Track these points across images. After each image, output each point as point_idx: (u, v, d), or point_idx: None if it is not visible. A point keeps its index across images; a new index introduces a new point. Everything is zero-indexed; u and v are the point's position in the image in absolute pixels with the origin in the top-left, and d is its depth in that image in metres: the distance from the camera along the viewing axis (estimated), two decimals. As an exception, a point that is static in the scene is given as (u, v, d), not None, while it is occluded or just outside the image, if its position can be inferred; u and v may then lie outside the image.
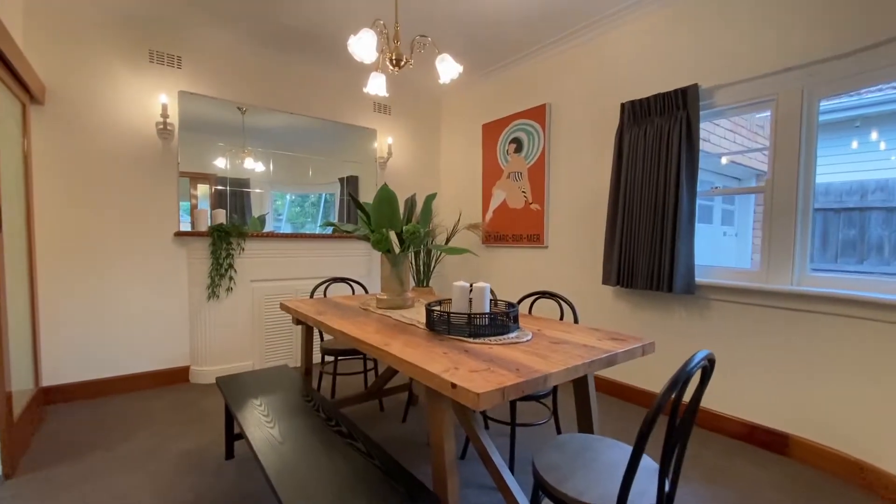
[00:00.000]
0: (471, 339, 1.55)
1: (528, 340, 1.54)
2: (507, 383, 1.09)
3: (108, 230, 2.94)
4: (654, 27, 2.73)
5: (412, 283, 4.29)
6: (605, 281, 2.90)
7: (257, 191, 3.54)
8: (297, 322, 2.35)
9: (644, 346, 1.52)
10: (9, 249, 2.13)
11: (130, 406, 2.78)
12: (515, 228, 3.72)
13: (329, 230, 3.85)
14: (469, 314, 1.62)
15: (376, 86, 2.28)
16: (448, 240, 3.96)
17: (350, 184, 3.96)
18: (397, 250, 2.19)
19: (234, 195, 3.41)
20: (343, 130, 3.97)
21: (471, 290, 1.77)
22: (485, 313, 1.65)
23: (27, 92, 2.52)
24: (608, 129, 3.00)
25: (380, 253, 3.99)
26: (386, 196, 2.07)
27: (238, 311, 3.34)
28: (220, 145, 3.36)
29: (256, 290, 3.42)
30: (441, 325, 1.65)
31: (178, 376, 3.20)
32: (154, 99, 3.07)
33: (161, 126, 3.05)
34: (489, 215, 3.99)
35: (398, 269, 2.21)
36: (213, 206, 3.30)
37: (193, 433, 2.42)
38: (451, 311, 1.77)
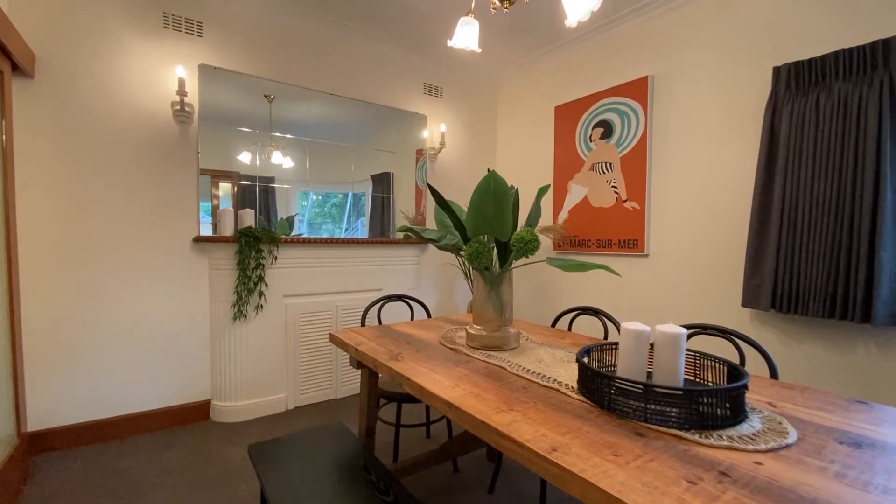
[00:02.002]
0: (692, 435, 0.88)
1: (791, 444, 0.86)
2: None
3: (111, 235, 2.37)
4: (825, -39, 2.01)
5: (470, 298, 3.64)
6: (749, 303, 2.20)
7: (286, 186, 2.94)
8: (359, 365, 1.72)
9: None
10: (-30, 264, 1.56)
11: (138, 456, 2.20)
12: (602, 232, 3.03)
13: (351, 232, 3.23)
14: (699, 390, 0.95)
15: (466, 36, 1.63)
16: (515, 246, 3.30)
17: (383, 181, 3.32)
18: (496, 266, 1.54)
19: (258, 194, 2.81)
20: (384, 119, 3.34)
21: (653, 338, 1.11)
22: (720, 388, 0.99)
23: (7, 58, 1.96)
24: (747, 105, 2.29)
25: (449, 264, 3.37)
26: (495, 189, 1.42)
27: (269, 333, 2.74)
28: (243, 138, 2.77)
29: (290, 308, 2.82)
30: (625, 400, 0.99)
31: (196, 414, 2.62)
32: (169, 73, 2.49)
33: (178, 107, 2.47)
34: (563, 215, 3.31)
35: (498, 292, 1.56)
36: (237, 207, 2.71)
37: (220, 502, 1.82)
38: (619, 365, 1.12)
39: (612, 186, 2.95)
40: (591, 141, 3.10)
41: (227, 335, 2.62)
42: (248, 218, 2.69)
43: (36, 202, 2.18)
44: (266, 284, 2.68)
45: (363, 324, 2.23)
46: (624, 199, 2.88)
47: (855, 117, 1.85)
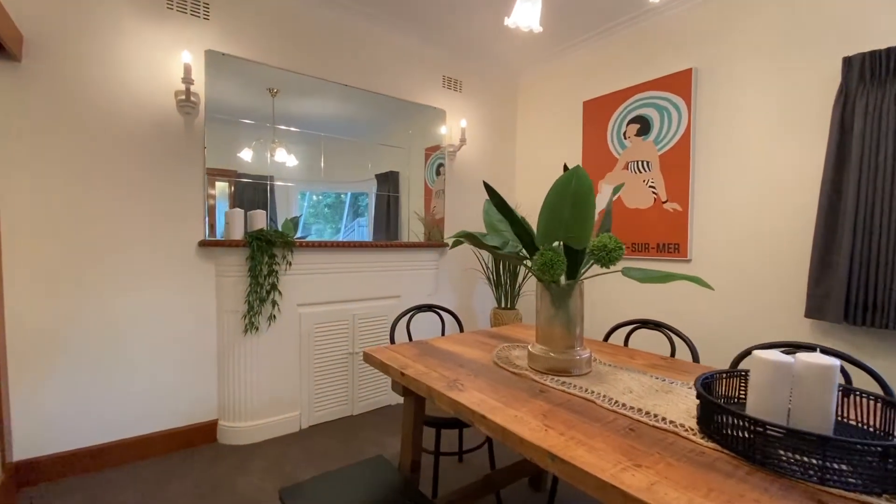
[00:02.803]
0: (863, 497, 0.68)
1: None
2: None
3: (106, 240, 2.12)
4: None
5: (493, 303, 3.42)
6: (814, 313, 2.02)
7: (289, 184, 2.70)
8: (405, 392, 1.50)
9: None
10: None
11: (139, 488, 1.96)
12: (638, 234, 2.84)
13: (353, 233, 3.01)
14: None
15: (527, 14, 1.42)
16: (543, 249, 3.10)
17: (389, 181, 3.09)
18: (560, 279, 1.34)
19: (257, 194, 2.56)
20: (396, 114, 3.11)
21: (795, 369, 0.91)
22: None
23: (-10, 37, 1.71)
24: (807, 98, 2.12)
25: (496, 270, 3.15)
26: (577, 188, 1.21)
27: (282, 345, 2.51)
28: (245, 134, 2.53)
29: (305, 318, 2.58)
30: (789, 455, 0.78)
31: (201, 436, 2.37)
32: (173, 59, 2.25)
33: (182, 97, 2.23)
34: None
35: (568, 307, 1.35)
36: (235, 207, 2.46)
37: (233, 552, 1.59)
38: (750, 401, 0.93)
39: (650, 186, 2.77)
40: (625, 138, 2.91)
41: (237, 349, 2.38)
42: (260, 220, 2.46)
43: (17, 202, 1.92)
44: (280, 293, 2.45)
45: (392, 338, 2.01)
46: (664, 200, 2.70)
47: (946, 111, 1.68)
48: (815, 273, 2.02)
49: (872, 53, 1.85)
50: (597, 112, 3.08)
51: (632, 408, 1.07)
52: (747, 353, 1.55)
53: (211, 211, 2.41)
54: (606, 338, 1.94)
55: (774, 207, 2.24)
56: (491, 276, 3.21)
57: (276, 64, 2.58)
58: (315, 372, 2.63)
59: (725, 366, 2.18)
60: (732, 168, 2.40)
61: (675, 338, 2.39)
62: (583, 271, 1.33)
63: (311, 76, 2.71)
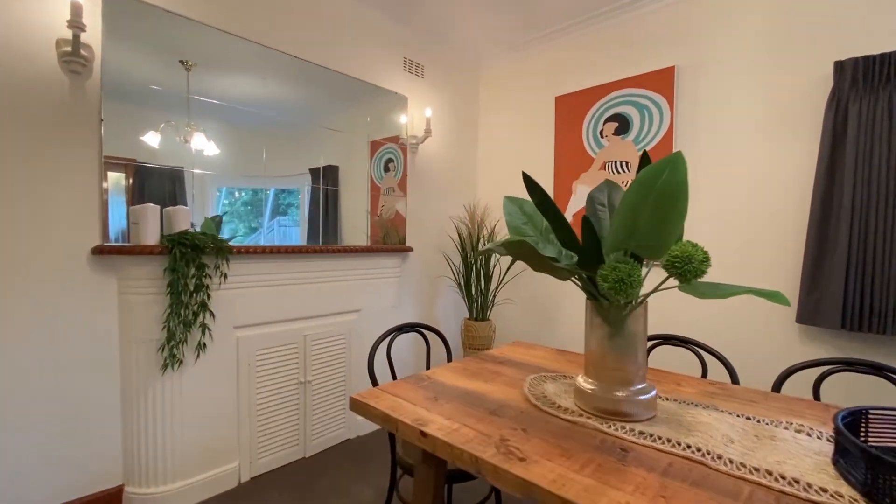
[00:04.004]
0: None
1: None
2: None
3: (-54, 246, 1.45)
4: (890, -50, 1.86)
5: (465, 314, 3.09)
6: (807, 319, 1.99)
7: (208, 172, 2.16)
8: (424, 457, 1.11)
9: None
10: None
11: None
12: (616, 239, 2.71)
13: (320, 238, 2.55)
14: None
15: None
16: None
17: (327, 177, 2.64)
18: (623, 296, 1.07)
19: (164, 188, 1.98)
20: (349, 98, 2.67)
21: None
22: None
23: None
24: (796, 102, 2.10)
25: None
26: (667, 183, 0.92)
27: (215, 381, 1.96)
28: (151, 114, 1.94)
29: (244, 344, 2.05)
30: None
31: (100, 511, 1.75)
32: (52, -6, 1.61)
33: (68, 50, 1.61)
34: (567, 219, 2.94)
35: (628, 333, 1.08)
36: (134, 203, 1.86)
37: None
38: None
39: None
40: (602, 137, 2.77)
41: (152, 391, 1.79)
42: (182, 219, 1.89)
43: None
44: (212, 314, 1.90)
45: (372, 370, 1.60)
46: (644, 202, 2.58)
47: (939, 119, 1.70)
48: (808, 279, 1.99)
49: (866, 59, 1.84)
50: (571, 109, 2.91)
51: (754, 469, 0.82)
52: (790, 372, 1.41)
53: (103, 207, 1.79)
54: (620, 356, 1.72)
55: (761, 211, 2.21)
56: (462, 285, 2.89)
57: (201, 18, 2.02)
58: (258, 410, 2.10)
59: (748, 384, 2.09)
60: (717, 171, 2.34)
61: (704, 355, 2.18)
62: (644, 288, 1.06)
63: (242, 37, 2.18)
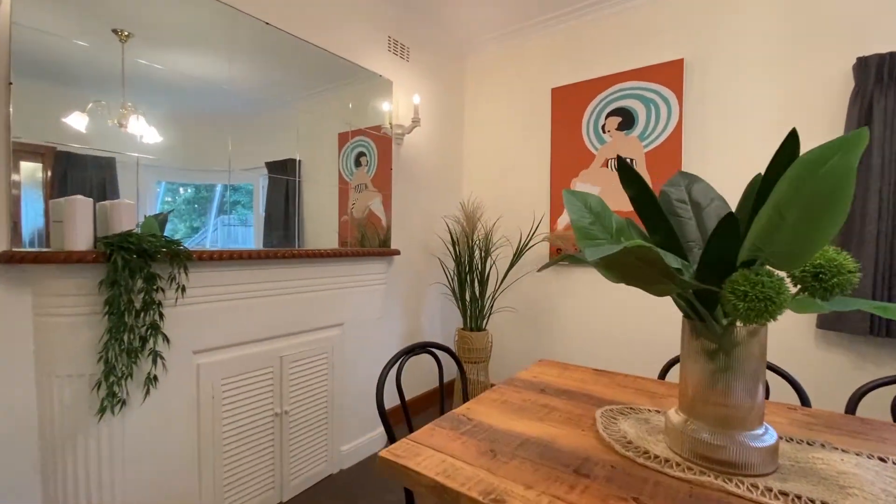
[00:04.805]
0: None
1: None
2: None
3: None
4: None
5: (459, 324, 2.80)
6: (831, 325, 1.91)
7: (151, 156, 1.75)
8: None
9: None
10: None
11: None
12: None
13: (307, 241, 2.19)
14: None
15: None
16: (516, 257, 2.59)
17: (290, 171, 2.24)
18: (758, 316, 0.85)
19: (93, 181, 1.55)
20: (323, 80, 2.32)
21: None
22: None
23: None
24: (815, 98, 2.02)
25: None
26: (829, 175, 0.70)
27: (170, 421, 1.55)
28: (72, 96, 1.51)
29: (207, 372, 1.66)
30: None
31: None
32: None
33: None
34: (565, 220, 2.76)
35: (748, 365, 0.86)
36: (52, 197, 1.43)
37: None
38: None
39: (635, 187, 2.49)
40: (604, 132, 2.60)
41: (83, 442, 1.36)
42: (125, 216, 1.47)
43: None
44: (166, 338, 1.49)
45: (381, 404, 1.29)
46: (650, 202, 2.44)
47: (969, 118, 1.65)
48: (831, 283, 1.90)
49: (893, 55, 1.77)
50: (569, 101, 2.72)
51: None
52: (866, 390, 1.26)
53: (14, 204, 1.35)
54: (662, 375, 1.53)
55: (777, 212, 2.12)
56: (455, 291, 2.61)
57: (151, -35, 1.60)
58: (225, 450, 1.71)
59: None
60: (729, 170, 2.23)
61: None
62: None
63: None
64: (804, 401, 1.30)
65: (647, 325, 2.45)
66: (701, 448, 0.87)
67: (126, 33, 1.72)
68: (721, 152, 2.25)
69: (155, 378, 1.48)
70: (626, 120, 2.51)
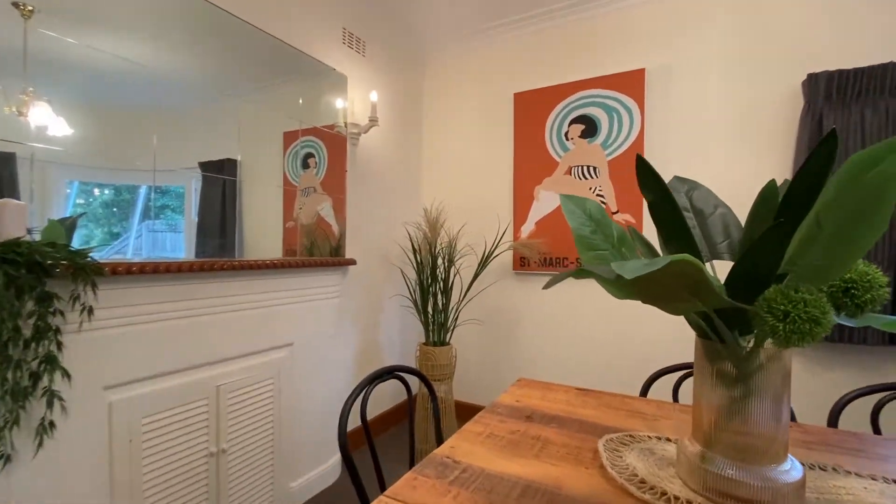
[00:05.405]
0: None
1: None
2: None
3: None
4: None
5: (423, 338, 2.59)
6: (789, 333, 1.95)
7: (59, 150, 1.46)
8: None
9: None
10: None
11: None
12: (584, 249, 2.51)
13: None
14: None
15: None
16: (481, 266, 2.46)
17: (225, 172, 1.97)
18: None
19: None
20: (268, 73, 2.09)
21: None
22: None
23: None
24: (771, 111, 2.09)
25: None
26: (880, 172, 0.63)
27: (74, 472, 1.24)
28: None
29: (122, 410, 1.36)
30: None
31: None
32: None
33: None
34: (528, 227, 2.68)
35: (772, 392, 0.77)
36: None
37: None
38: None
39: (598, 195, 2.47)
40: (567, 139, 2.56)
41: (-57, 518, 1.04)
42: (12, 220, 1.16)
43: None
44: (65, 373, 1.19)
45: (344, 444, 1.09)
46: (614, 210, 2.43)
47: (907, 134, 1.76)
48: (787, 290, 1.96)
49: (840, 72, 1.86)
50: (532, 107, 2.66)
51: None
52: (847, 401, 1.26)
53: None
54: (644, 392, 1.46)
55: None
56: (417, 302, 2.43)
57: (53, -87, 1.31)
58: (147, 502, 1.41)
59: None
60: (692, 177, 2.25)
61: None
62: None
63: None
64: (791, 415, 1.27)
65: (617, 331, 2.42)
66: (722, 485, 0.77)
67: (29, 7, 1.41)
68: (682, 162, 2.28)
69: (51, 424, 1.17)
70: (590, 128, 2.49)
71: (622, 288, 0.81)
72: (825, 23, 1.98)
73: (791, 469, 0.77)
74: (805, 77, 1.97)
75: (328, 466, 2.17)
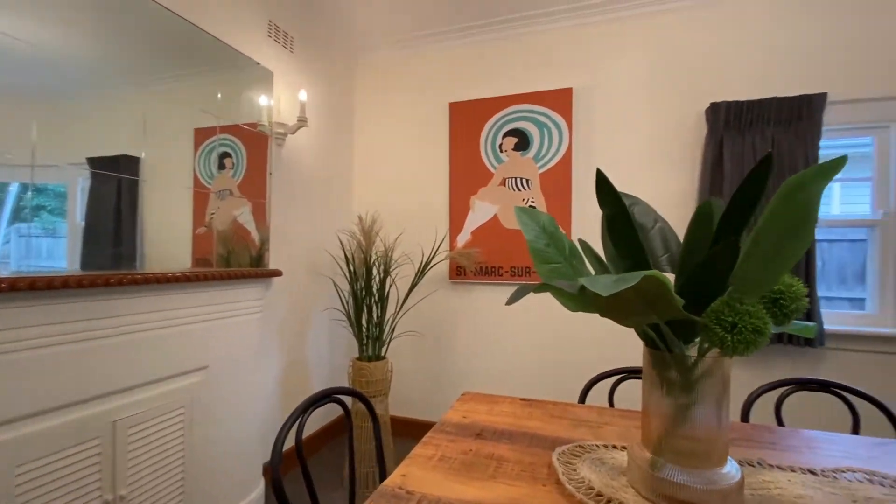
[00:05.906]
0: None
1: None
2: None
3: None
4: (772, 10, 2.19)
5: (356, 352, 2.43)
6: (698, 334, 2.15)
7: None
8: None
9: None
10: None
11: None
12: (518, 258, 2.57)
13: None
14: None
15: None
16: (418, 276, 2.40)
17: (121, 170, 1.74)
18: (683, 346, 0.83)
19: None
20: (181, 62, 1.89)
21: None
22: None
23: None
24: (680, 134, 2.31)
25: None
26: (810, 192, 0.68)
27: None
28: None
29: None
30: None
31: None
32: None
33: None
34: (464, 237, 2.68)
35: (716, 398, 0.82)
36: None
37: None
38: None
39: (531, 206, 2.54)
40: (501, 151, 2.61)
41: None
42: None
43: None
44: None
45: (277, 474, 0.97)
46: (545, 221, 2.51)
47: (787, 162, 2.04)
48: (696, 296, 2.16)
49: (737, 103, 2.11)
50: (467, 117, 2.69)
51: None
52: (756, 396, 1.39)
53: None
54: (583, 398, 1.50)
55: (651, 234, 2.35)
56: (350, 315, 2.29)
57: None
58: (12, 580, 1.14)
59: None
60: (613, 193, 2.42)
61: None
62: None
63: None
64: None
65: (553, 334, 2.49)
66: (673, 490, 0.79)
67: None
68: (608, 173, 2.43)
69: None
70: (522, 141, 2.57)
71: (582, 302, 0.81)
72: (727, 56, 2.24)
73: (731, 470, 0.82)
74: (708, 105, 2.21)
75: (249, 502, 1.96)
